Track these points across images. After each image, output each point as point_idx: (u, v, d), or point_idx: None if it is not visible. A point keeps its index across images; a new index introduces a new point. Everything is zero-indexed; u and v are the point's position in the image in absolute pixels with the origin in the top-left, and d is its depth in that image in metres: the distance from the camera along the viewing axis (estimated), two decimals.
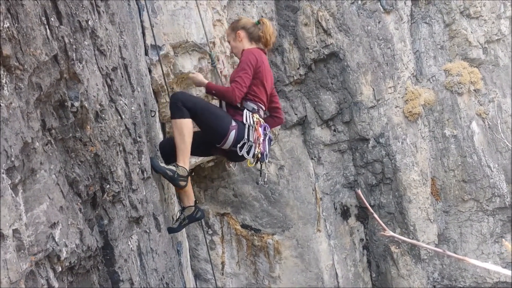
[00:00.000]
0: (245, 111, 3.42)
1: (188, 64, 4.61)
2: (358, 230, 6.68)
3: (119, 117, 2.65)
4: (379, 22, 6.43)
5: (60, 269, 1.80)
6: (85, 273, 2.18)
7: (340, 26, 6.33)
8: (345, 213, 6.71)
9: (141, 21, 4.06)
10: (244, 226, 6.41)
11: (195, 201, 3.66)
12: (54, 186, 1.81)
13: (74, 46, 2.08)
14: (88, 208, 2.25)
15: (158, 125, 4.43)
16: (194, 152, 3.63)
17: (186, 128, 3.25)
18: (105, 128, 2.41)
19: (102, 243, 2.40)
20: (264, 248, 6.33)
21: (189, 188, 3.59)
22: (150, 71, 4.25)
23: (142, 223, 2.88)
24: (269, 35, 3.58)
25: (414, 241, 1.15)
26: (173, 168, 3.26)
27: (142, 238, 2.87)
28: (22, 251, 1.45)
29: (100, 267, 2.42)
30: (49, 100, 1.85)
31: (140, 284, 2.74)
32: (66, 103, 1.95)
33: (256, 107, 3.50)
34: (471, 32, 6.74)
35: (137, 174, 2.82)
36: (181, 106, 3.26)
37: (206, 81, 3.51)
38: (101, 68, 2.52)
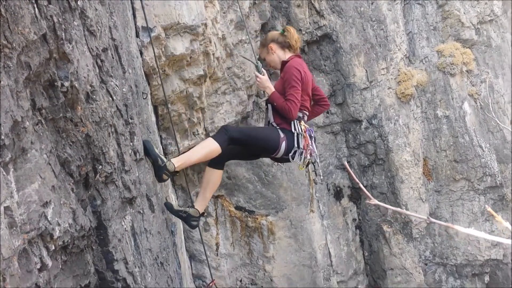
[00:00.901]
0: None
1: (179, 46, 4.58)
2: (351, 210, 6.75)
3: (110, 98, 2.65)
4: (372, 3, 6.40)
5: (53, 248, 1.82)
6: (79, 253, 2.21)
7: (333, 7, 6.29)
8: (338, 194, 6.77)
9: (132, 2, 4.02)
10: (238, 207, 6.45)
11: (203, 212, 3.85)
12: (46, 166, 1.82)
13: (63, 26, 2.07)
14: (80, 188, 2.27)
15: (150, 108, 4.43)
16: (244, 158, 4.13)
17: (209, 151, 3.44)
18: (96, 109, 2.41)
19: (96, 223, 2.42)
20: (258, 229, 6.38)
21: (209, 198, 3.88)
22: (141, 53, 4.22)
23: (135, 204, 2.90)
24: (294, 41, 3.89)
25: (398, 209, 1.18)
26: (164, 159, 3.30)
27: (135, 219, 2.89)
28: (14, 228, 1.46)
29: (94, 247, 2.45)
30: (39, 80, 1.85)
31: (134, 264, 2.77)
32: (56, 83, 1.95)
33: (301, 115, 3.76)
34: (464, 13, 6.72)
35: (130, 155, 2.83)
36: (226, 136, 3.46)
37: (272, 89, 3.66)
38: (91, 48, 2.51)
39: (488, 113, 6.21)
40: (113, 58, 2.83)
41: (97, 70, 2.56)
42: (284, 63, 3.81)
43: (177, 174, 3.46)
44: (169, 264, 3.38)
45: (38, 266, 1.70)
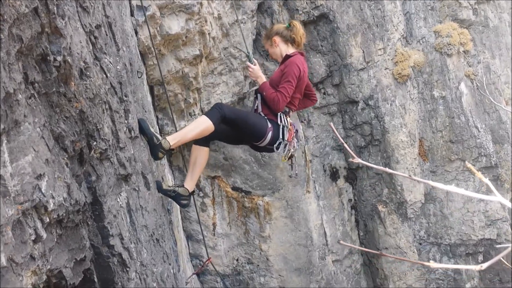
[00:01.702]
0: (279, 113, 3.77)
1: (175, 25, 4.56)
2: (346, 191, 6.80)
3: (104, 75, 2.65)
4: None
5: (48, 220, 1.85)
6: (74, 227, 2.24)
7: None
8: (334, 175, 6.81)
9: None
10: (234, 188, 6.49)
11: (193, 191, 3.90)
12: (39, 139, 1.83)
13: (55, 1, 2.06)
14: (75, 164, 2.29)
15: (146, 88, 4.42)
16: (228, 140, 4.14)
17: (203, 129, 3.50)
18: (90, 85, 2.42)
19: (91, 199, 2.45)
20: (255, 209, 6.44)
21: (197, 176, 3.90)
22: (136, 32, 4.20)
23: (130, 181, 2.92)
24: (299, 37, 3.92)
25: (382, 168, 1.20)
26: (160, 137, 3.35)
27: (131, 196, 2.92)
28: (8, 197, 1.49)
29: (89, 223, 2.48)
30: (31, 54, 1.85)
31: (130, 240, 2.81)
32: (48, 57, 1.95)
33: (287, 109, 3.86)
34: None
35: (124, 132, 2.85)
36: (219, 114, 3.52)
37: (264, 79, 3.75)
38: (85, 25, 2.50)
39: (485, 94, 6.21)
40: (106, 35, 2.82)
41: (91, 47, 2.56)
42: (287, 56, 3.84)
43: (173, 152, 3.49)
44: (165, 241, 3.42)
45: (33, 237, 1.73)
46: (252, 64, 3.83)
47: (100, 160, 2.51)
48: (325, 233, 6.49)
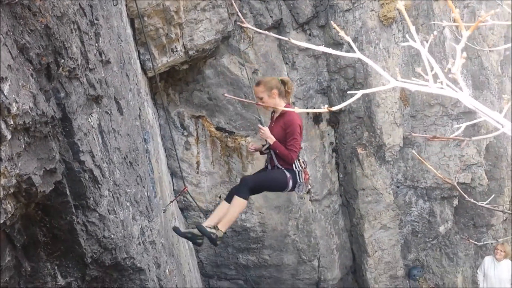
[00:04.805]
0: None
1: None
2: (328, 134, 6.95)
3: None
4: None
5: (12, 123, 1.96)
6: (43, 138, 2.35)
7: None
8: (317, 118, 6.93)
9: None
10: (218, 128, 6.62)
11: (225, 232, 4.47)
12: (2, 46, 1.91)
13: None
14: (42, 78, 2.37)
15: (125, 19, 4.43)
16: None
17: (242, 207, 4.25)
18: (57, 4, 2.46)
19: (60, 115, 2.55)
20: (237, 149, 6.59)
21: (233, 218, 4.39)
22: None
23: (102, 104, 3.02)
24: (291, 90, 4.51)
25: (271, 33, 1.29)
26: (214, 231, 4.06)
27: (103, 118, 3.02)
28: None
29: (60, 138, 2.59)
30: None
31: (102, 159, 2.94)
32: None
33: (298, 154, 4.41)
34: None
35: (95, 55, 2.91)
36: (247, 189, 4.21)
37: (274, 139, 4.28)
38: None
39: (468, 38, 6.23)
40: None
41: None
42: (283, 112, 4.33)
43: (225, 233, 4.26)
44: (138, 165, 3.56)
45: None
46: (263, 126, 4.34)
47: (69, 78, 2.59)
48: None
